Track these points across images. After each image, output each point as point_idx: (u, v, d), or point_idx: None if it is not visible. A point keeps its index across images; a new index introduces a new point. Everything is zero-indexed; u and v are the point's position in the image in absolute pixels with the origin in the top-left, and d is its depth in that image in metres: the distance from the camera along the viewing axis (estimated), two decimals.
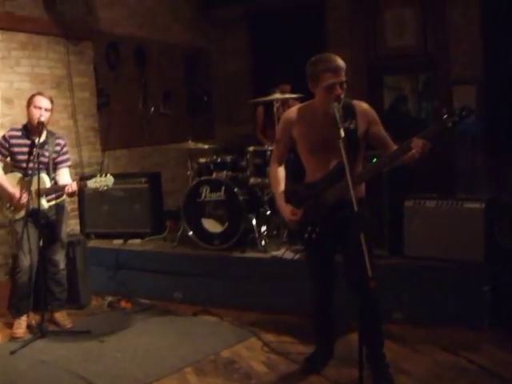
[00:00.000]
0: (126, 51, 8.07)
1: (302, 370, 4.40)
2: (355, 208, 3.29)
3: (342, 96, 3.73)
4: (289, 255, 5.61)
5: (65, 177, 5.53)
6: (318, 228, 3.94)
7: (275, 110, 6.25)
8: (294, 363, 4.54)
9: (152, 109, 8.46)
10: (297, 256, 5.45)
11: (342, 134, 3.47)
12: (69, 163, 5.65)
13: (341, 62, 3.75)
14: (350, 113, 3.78)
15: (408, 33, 8.59)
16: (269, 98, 6.37)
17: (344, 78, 3.73)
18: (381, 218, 5.35)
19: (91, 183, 5.19)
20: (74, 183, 5.23)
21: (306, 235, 3.99)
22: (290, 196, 4.06)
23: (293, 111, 4.06)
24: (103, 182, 5.18)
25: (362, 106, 3.93)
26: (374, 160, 4.43)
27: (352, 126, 3.75)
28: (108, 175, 5.22)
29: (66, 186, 5.25)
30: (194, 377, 4.45)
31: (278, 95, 6.28)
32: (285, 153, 4.21)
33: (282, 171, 4.18)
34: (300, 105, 4.13)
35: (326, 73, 3.70)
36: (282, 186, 4.12)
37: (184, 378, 4.45)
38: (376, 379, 3.98)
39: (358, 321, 3.63)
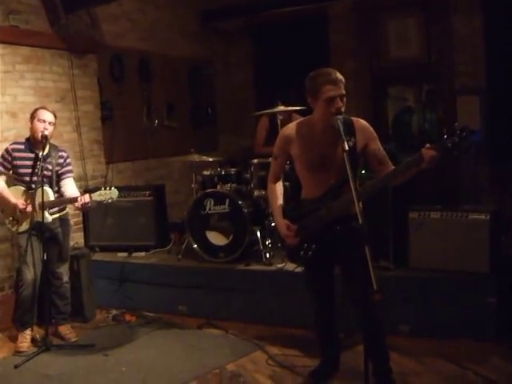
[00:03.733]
0: (129, 64, 8.07)
1: (307, 383, 4.37)
2: (360, 221, 3.27)
3: (343, 110, 3.70)
4: (291, 266, 5.57)
5: (71, 188, 5.52)
6: (314, 245, 3.91)
7: (279, 122, 6.23)
8: (300, 376, 4.52)
9: (156, 121, 8.47)
10: (299, 268, 5.38)
11: (347, 146, 3.45)
12: (72, 174, 5.64)
13: (340, 76, 3.71)
14: (348, 129, 3.70)
15: (411, 43, 8.60)
16: (273, 110, 6.36)
17: (344, 91, 3.70)
18: (385, 230, 5.33)
19: (96, 196, 5.18)
20: (87, 195, 5.17)
21: (302, 252, 3.96)
22: (287, 212, 4.03)
23: (290, 127, 4.01)
24: (108, 194, 5.18)
25: (361, 122, 3.89)
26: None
27: (351, 143, 3.66)
28: (112, 188, 5.22)
29: (76, 197, 5.24)
30: None
31: (282, 107, 6.26)
32: (282, 169, 4.20)
33: (279, 187, 4.16)
34: (298, 120, 4.09)
35: (326, 85, 3.66)
36: (279, 201, 4.10)
37: None
38: None
39: (362, 334, 3.61)
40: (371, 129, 3.89)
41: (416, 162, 3.50)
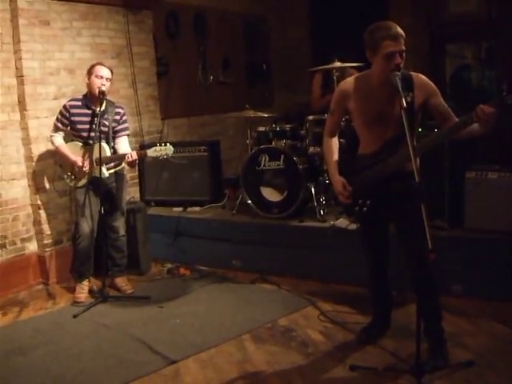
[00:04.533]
0: (185, 20, 8.07)
1: (358, 340, 4.39)
2: (417, 179, 3.25)
3: (402, 66, 3.62)
4: (343, 224, 5.57)
5: (124, 145, 5.60)
6: (369, 201, 3.88)
7: (335, 79, 6.17)
8: (351, 333, 4.54)
9: (211, 77, 8.48)
10: (352, 225, 5.36)
11: (405, 103, 3.40)
12: (127, 132, 5.71)
13: (400, 30, 3.62)
14: (407, 85, 3.62)
15: None
16: (328, 66, 6.29)
17: (404, 47, 3.61)
18: (441, 189, 5.27)
19: (151, 152, 5.26)
20: (134, 152, 5.31)
21: (357, 208, 3.94)
22: (343, 167, 4.01)
23: (348, 82, 3.95)
24: (163, 150, 5.25)
25: (421, 78, 3.79)
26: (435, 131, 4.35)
27: (409, 99, 3.55)
28: (167, 144, 5.28)
29: (125, 154, 5.34)
30: (252, 344, 4.50)
31: (337, 64, 6.20)
32: (338, 124, 4.16)
33: (335, 142, 4.12)
34: (356, 75, 4.02)
35: (386, 40, 3.58)
36: (334, 157, 4.07)
37: (241, 344, 4.50)
38: (431, 355, 3.90)
39: (415, 293, 3.61)
40: (431, 84, 3.79)
41: (472, 119, 3.42)
